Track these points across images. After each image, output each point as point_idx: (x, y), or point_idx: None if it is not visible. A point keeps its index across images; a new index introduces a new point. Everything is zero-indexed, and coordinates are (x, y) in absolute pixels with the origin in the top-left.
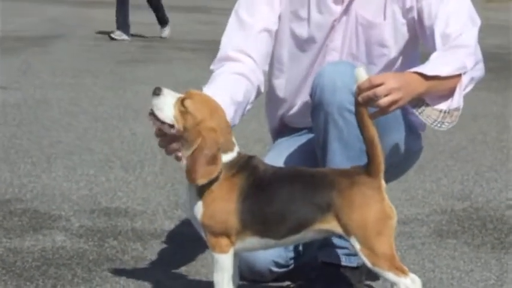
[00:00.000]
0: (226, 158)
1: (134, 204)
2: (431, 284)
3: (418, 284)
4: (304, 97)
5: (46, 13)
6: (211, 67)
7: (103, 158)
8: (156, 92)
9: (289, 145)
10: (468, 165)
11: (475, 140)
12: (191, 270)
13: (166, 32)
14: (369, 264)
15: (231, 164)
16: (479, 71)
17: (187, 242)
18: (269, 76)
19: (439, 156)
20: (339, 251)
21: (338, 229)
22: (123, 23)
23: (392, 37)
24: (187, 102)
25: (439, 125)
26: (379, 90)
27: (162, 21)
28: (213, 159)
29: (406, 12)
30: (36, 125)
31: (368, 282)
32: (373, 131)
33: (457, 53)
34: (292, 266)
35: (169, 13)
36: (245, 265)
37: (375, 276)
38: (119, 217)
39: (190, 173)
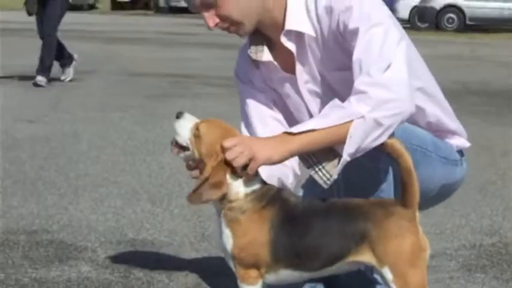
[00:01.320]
0: (250, 187)
1: (161, 236)
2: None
3: None
4: None
5: (74, 49)
6: None
7: (130, 191)
8: (178, 116)
9: None
10: (497, 200)
11: (504, 175)
12: None
13: (67, 74)
14: None
15: (259, 196)
16: (394, 110)
17: (213, 274)
18: None
19: (468, 191)
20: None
21: (372, 260)
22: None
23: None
24: (201, 126)
25: (316, 166)
26: (230, 154)
27: (63, 62)
28: (218, 184)
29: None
30: (63, 158)
31: None
32: (408, 160)
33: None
34: None
35: (199, 49)
36: None
37: None
38: (145, 248)
39: (191, 193)
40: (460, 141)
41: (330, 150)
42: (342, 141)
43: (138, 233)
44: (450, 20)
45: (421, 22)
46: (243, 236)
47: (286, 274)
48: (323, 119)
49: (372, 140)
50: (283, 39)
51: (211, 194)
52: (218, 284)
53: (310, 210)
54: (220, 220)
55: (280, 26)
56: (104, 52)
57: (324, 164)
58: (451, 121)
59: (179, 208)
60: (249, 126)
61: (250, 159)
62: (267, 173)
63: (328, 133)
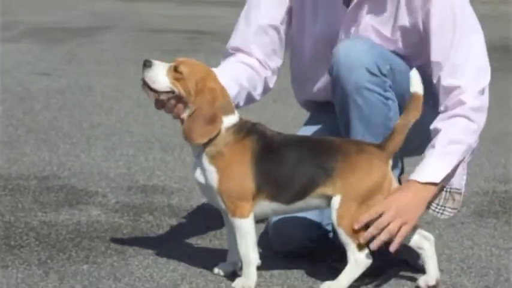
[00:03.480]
0: (229, 120)
1: (172, 182)
2: (470, 260)
3: (427, 247)
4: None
5: (92, 7)
6: (228, 50)
7: (143, 140)
8: (147, 64)
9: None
10: (511, 150)
11: None
12: (224, 244)
13: None
14: (335, 222)
15: (238, 128)
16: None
17: (222, 218)
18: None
19: (482, 142)
20: None
21: (331, 192)
22: None
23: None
24: (181, 68)
25: (440, 211)
26: (380, 222)
27: None
28: (213, 119)
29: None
30: (78, 109)
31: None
32: (411, 119)
33: (458, 132)
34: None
35: (215, 7)
36: (277, 240)
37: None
38: (156, 194)
39: (189, 133)
40: None
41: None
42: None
43: (149, 179)
44: None
45: None
46: (228, 167)
47: (264, 206)
48: (450, 158)
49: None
50: None
51: (211, 129)
52: None
53: (286, 142)
54: (201, 160)
55: None
56: (120, 10)
57: (442, 203)
58: None
59: (191, 156)
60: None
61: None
62: (236, 88)
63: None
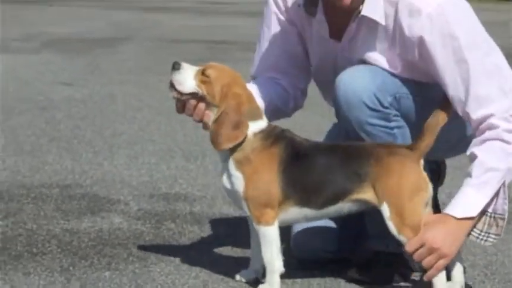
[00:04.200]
0: (257, 125)
1: (194, 190)
2: (493, 266)
3: None
4: None
5: (112, 18)
6: (253, 74)
7: (165, 148)
8: (175, 67)
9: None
10: None
11: None
12: (246, 251)
13: None
14: (395, 232)
15: (266, 134)
16: None
17: (245, 224)
18: None
19: None
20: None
21: (373, 198)
22: None
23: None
24: (209, 72)
25: (484, 237)
26: (419, 254)
27: None
28: (238, 124)
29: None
30: (100, 118)
31: None
32: (443, 118)
33: (494, 158)
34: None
35: (234, 17)
36: (299, 250)
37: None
38: (178, 202)
39: (215, 138)
40: None
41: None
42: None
43: (171, 187)
44: None
45: None
46: (254, 174)
47: (294, 212)
48: (487, 188)
49: None
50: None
51: (236, 135)
52: (249, 235)
53: (315, 148)
54: (228, 165)
55: None
56: (141, 20)
57: (486, 229)
58: None
59: (213, 164)
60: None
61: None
62: (267, 99)
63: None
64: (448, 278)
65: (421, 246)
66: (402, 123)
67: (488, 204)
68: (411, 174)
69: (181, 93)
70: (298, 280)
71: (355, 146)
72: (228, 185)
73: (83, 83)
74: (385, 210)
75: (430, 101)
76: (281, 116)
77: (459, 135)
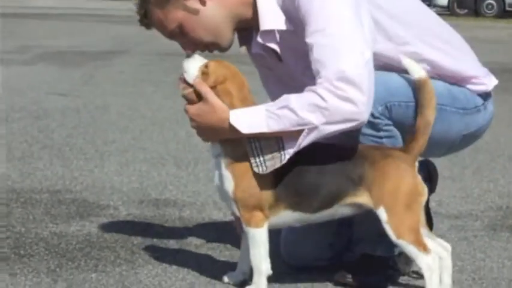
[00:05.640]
0: None
1: (184, 196)
2: (482, 271)
3: (446, 256)
4: None
5: (109, 31)
6: None
7: (156, 156)
8: (188, 55)
9: None
10: None
11: None
12: (234, 254)
13: None
14: (393, 236)
15: None
16: (349, 124)
17: (234, 229)
18: None
19: (498, 160)
20: (378, 244)
21: (369, 202)
22: None
23: None
24: (210, 64)
25: (261, 165)
26: (189, 108)
27: None
28: None
29: None
30: (92, 127)
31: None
32: (432, 115)
33: (300, 102)
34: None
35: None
36: (289, 257)
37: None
38: (167, 207)
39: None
40: (482, 86)
41: (274, 141)
42: (289, 139)
43: (161, 193)
44: (489, 6)
45: (460, 8)
46: (244, 175)
47: (285, 216)
48: (275, 121)
49: (317, 139)
50: (261, 40)
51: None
52: (238, 238)
53: (309, 150)
54: (220, 164)
55: (257, 21)
56: (137, 34)
57: (264, 157)
58: (469, 68)
59: (205, 172)
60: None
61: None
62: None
63: (277, 133)
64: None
65: (197, 113)
66: (393, 132)
67: (282, 140)
68: (407, 177)
69: (185, 82)
70: (286, 283)
71: (349, 148)
72: (218, 183)
73: (77, 93)
74: (382, 214)
75: None
76: None
77: (440, 129)
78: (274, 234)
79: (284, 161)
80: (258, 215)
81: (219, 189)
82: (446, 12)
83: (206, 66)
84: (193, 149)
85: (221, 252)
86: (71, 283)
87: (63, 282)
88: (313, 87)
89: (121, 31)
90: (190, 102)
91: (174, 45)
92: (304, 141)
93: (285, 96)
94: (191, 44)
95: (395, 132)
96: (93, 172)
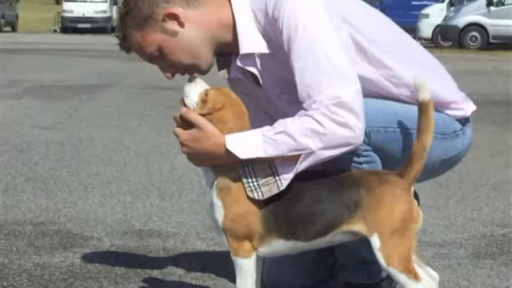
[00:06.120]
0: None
1: (168, 227)
2: None
3: (434, 286)
4: None
5: (94, 66)
6: None
7: (140, 188)
8: (190, 79)
9: None
10: (511, 196)
11: None
12: (219, 284)
13: None
14: (383, 263)
15: None
16: (346, 147)
17: (218, 259)
18: None
19: (482, 189)
20: (360, 271)
21: (363, 229)
22: None
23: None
24: (210, 92)
25: (254, 189)
26: (181, 134)
27: None
28: None
29: None
30: (76, 160)
31: None
32: (429, 139)
33: (297, 127)
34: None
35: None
36: (270, 285)
37: None
38: (152, 238)
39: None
40: (460, 112)
41: (267, 165)
42: (281, 163)
43: (145, 224)
44: (473, 39)
45: (444, 41)
46: (234, 205)
47: (279, 245)
48: (272, 146)
49: (313, 165)
50: (240, 64)
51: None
52: (223, 270)
53: (302, 177)
54: (211, 192)
55: (236, 45)
56: (122, 69)
57: (259, 181)
58: (448, 93)
59: (189, 203)
60: None
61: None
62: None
63: (274, 158)
64: None
65: (190, 139)
66: (373, 158)
67: (274, 165)
68: (402, 204)
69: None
70: None
71: (343, 174)
72: (209, 212)
73: (61, 127)
74: (375, 241)
75: (404, 132)
76: None
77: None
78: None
79: (282, 187)
80: (247, 245)
81: (211, 217)
82: (430, 45)
83: (206, 93)
84: (177, 181)
85: (205, 281)
86: None
87: None
88: (309, 113)
89: (106, 65)
90: (180, 126)
91: (159, 79)
92: (300, 166)
93: (280, 121)
94: (170, 66)
95: (375, 157)
96: (77, 204)
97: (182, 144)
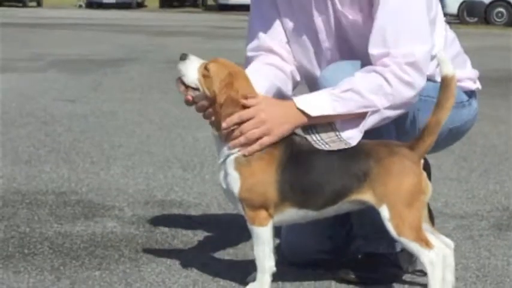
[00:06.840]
0: None
1: (190, 197)
2: (486, 269)
3: (449, 253)
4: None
5: (120, 41)
6: (248, 54)
7: (163, 159)
8: (182, 58)
9: None
10: None
11: None
12: (239, 253)
13: None
14: (394, 234)
15: None
16: (407, 107)
17: (239, 228)
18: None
19: (505, 162)
20: (381, 241)
21: (372, 199)
22: None
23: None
24: (210, 66)
25: (321, 144)
26: (244, 127)
27: None
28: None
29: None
30: (99, 132)
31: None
32: (446, 114)
33: (366, 85)
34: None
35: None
36: (290, 253)
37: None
38: (173, 208)
39: (216, 123)
40: (468, 84)
41: (329, 124)
42: (350, 121)
43: (167, 194)
44: (499, 15)
45: (470, 17)
46: (252, 176)
47: (291, 214)
48: (341, 104)
49: (375, 125)
50: None
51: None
52: (244, 239)
53: (315, 148)
54: (225, 164)
55: None
56: (147, 43)
57: (321, 135)
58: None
59: (211, 174)
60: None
61: (264, 134)
62: (267, 85)
63: (341, 116)
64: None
65: (253, 117)
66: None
67: (329, 118)
68: (411, 175)
69: (186, 87)
70: (290, 280)
71: (355, 145)
72: (223, 184)
73: (85, 100)
74: (385, 211)
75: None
76: (283, 98)
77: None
78: (276, 233)
79: (353, 144)
80: (263, 213)
81: (224, 190)
82: (456, 21)
83: (206, 68)
84: (199, 153)
85: (225, 250)
86: (75, 280)
87: (67, 280)
88: (378, 69)
89: (130, 40)
90: (200, 108)
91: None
92: (367, 123)
93: (347, 79)
94: None
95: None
96: (99, 175)
97: (262, 135)
